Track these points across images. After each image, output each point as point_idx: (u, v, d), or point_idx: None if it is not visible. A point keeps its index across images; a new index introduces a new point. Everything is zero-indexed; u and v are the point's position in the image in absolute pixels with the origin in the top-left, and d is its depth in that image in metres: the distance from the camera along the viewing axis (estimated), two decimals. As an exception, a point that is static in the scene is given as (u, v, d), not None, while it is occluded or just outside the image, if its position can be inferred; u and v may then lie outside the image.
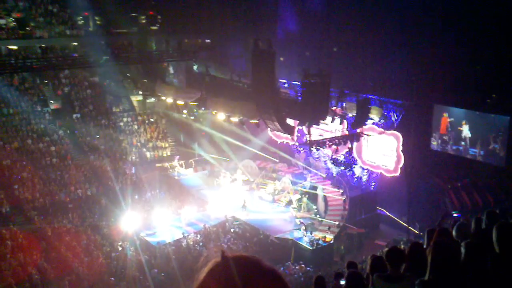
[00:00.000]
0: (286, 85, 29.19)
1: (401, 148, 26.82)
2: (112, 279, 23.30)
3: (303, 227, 26.77)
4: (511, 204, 22.55)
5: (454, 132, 27.35)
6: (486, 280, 3.84)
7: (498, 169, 24.83)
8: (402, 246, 18.16)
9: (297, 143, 32.11)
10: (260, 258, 1.55)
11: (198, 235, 27.06)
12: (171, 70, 35.88)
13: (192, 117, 36.72)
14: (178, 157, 35.95)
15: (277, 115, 23.22)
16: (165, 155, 36.99)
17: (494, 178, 25.85)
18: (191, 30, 35.42)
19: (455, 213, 23.95)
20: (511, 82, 24.35)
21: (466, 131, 26.75)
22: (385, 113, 27.32)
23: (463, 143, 26.98)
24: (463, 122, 26.86)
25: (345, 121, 27.27)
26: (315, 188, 30.79)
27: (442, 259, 3.84)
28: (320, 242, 26.00)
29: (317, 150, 26.17)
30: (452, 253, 3.88)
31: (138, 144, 36.24)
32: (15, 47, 33.12)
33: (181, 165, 35.70)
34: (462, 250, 3.92)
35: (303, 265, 24.33)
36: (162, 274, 23.48)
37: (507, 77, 24.53)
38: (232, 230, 27.95)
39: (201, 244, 26.11)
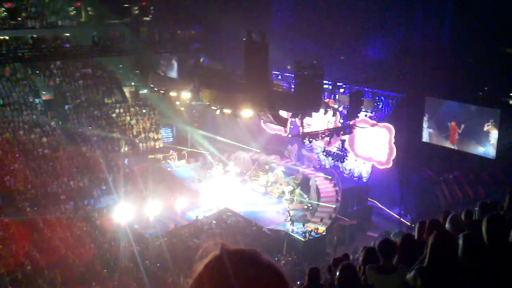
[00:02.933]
0: (279, 77, 29.16)
1: (393, 140, 26.86)
2: (105, 270, 23.30)
3: (289, 218, 26.91)
4: (502, 196, 22.64)
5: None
6: (483, 272, 3.94)
7: (489, 161, 24.93)
8: (393, 237, 18.27)
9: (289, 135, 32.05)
10: (258, 252, 1.55)
11: (191, 227, 27.07)
12: (165, 60, 35.66)
13: (183, 108, 36.63)
14: (171, 151, 35.90)
15: (270, 107, 23.17)
16: (157, 146, 36.93)
17: (485, 171, 26.00)
18: (184, 21, 35.20)
19: None
20: (503, 75, 24.43)
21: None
22: (378, 105, 27.35)
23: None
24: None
25: (337, 113, 27.25)
26: (307, 180, 30.84)
27: (443, 248, 3.95)
28: (313, 233, 26.11)
29: (310, 142, 26.13)
30: (453, 244, 4.04)
31: (131, 135, 36.12)
32: (6, 37, 32.84)
33: (174, 157, 35.64)
34: (460, 241, 4.01)
35: (295, 256, 24.44)
36: (158, 265, 23.51)
37: (499, 70, 24.61)
38: (224, 221, 27.98)
39: (193, 235, 26.12)
